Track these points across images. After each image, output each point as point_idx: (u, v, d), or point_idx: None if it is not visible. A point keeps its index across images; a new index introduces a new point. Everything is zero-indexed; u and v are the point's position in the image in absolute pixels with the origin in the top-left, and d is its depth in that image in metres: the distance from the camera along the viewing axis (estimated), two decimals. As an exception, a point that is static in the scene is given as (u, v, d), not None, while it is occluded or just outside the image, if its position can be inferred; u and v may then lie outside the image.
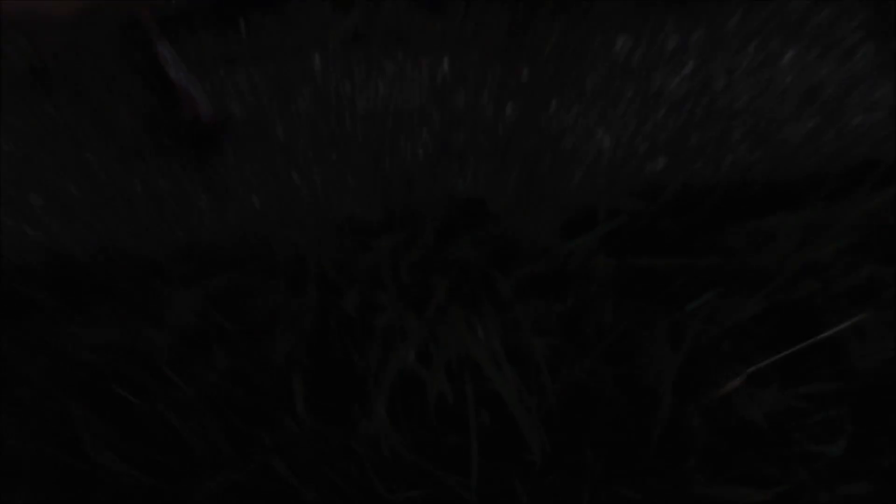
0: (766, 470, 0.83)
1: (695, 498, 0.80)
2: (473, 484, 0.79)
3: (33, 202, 1.04)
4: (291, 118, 1.05)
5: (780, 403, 0.85)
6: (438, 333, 0.88)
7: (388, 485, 0.82)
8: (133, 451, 0.85)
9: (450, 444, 0.84)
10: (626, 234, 0.98)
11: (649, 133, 1.01)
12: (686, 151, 1.00)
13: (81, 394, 0.90)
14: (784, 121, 1.00)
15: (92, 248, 1.00)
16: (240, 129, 1.05)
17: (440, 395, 0.84)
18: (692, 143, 1.00)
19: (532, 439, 0.81)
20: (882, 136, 0.99)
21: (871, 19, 1.04)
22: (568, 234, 0.98)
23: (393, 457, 0.83)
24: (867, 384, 0.87)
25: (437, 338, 0.88)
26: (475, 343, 0.86)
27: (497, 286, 0.94)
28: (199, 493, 0.84)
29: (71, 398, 0.88)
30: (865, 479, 0.83)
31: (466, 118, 1.03)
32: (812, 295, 0.91)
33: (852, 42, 1.03)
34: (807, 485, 0.81)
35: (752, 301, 0.89)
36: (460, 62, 1.07)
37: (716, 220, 1.00)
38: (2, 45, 1.00)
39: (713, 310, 0.90)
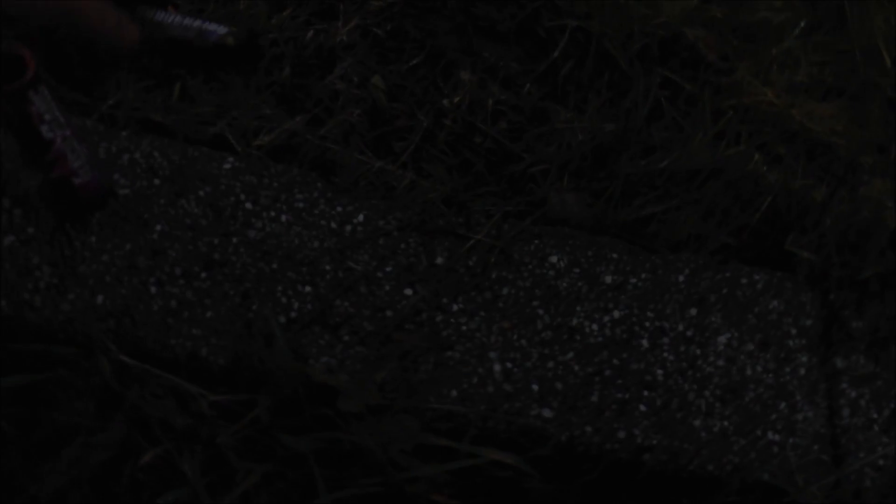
0: None
1: None
2: None
3: None
4: (176, 216, 0.92)
5: None
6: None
7: None
8: None
9: None
10: (482, 480, 0.85)
11: (549, 373, 0.88)
12: (582, 408, 0.87)
13: None
14: (697, 411, 0.89)
15: None
16: (116, 210, 0.92)
17: None
18: (591, 400, 0.88)
19: None
20: (793, 465, 0.87)
21: (816, 328, 0.93)
22: (422, 457, 0.85)
23: None
24: None
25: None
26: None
27: (317, 497, 0.81)
28: None
29: None
30: None
31: (359, 287, 0.90)
32: None
33: (792, 348, 0.92)
34: None
35: None
36: (378, 220, 0.94)
37: (588, 498, 0.87)
38: None
39: None
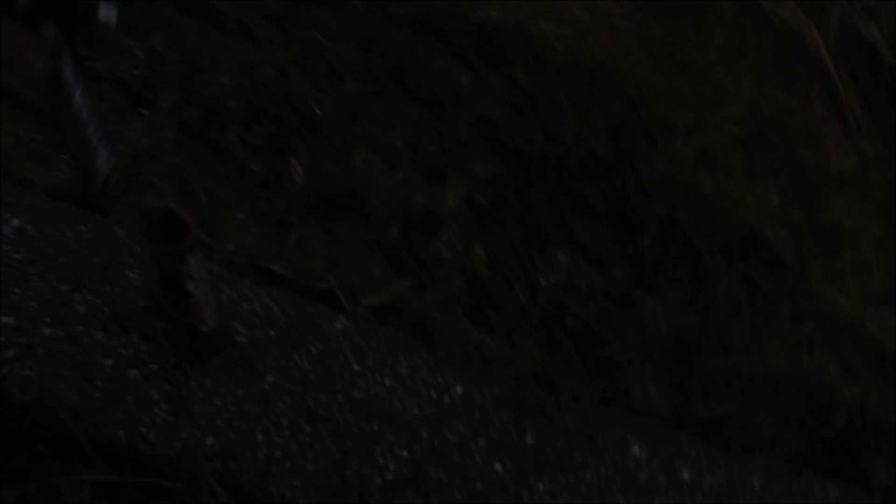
0: None
1: None
2: None
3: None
4: (287, 368, 0.99)
5: None
6: None
7: None
8: None
9: None
10: None
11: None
12: None
13: None
14: None
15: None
16: (232, 356, 0.99)
17: None
18: None
19: None
20: None
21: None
22: None
23: None
24: None
25: None
26: None
27: None
28: None
29: None
30: None
31: (452, 456, 0.95)
32: None
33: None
34: None
35: None
36: (475, 393, 1.00)
37: None
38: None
39: None
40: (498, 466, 0.97)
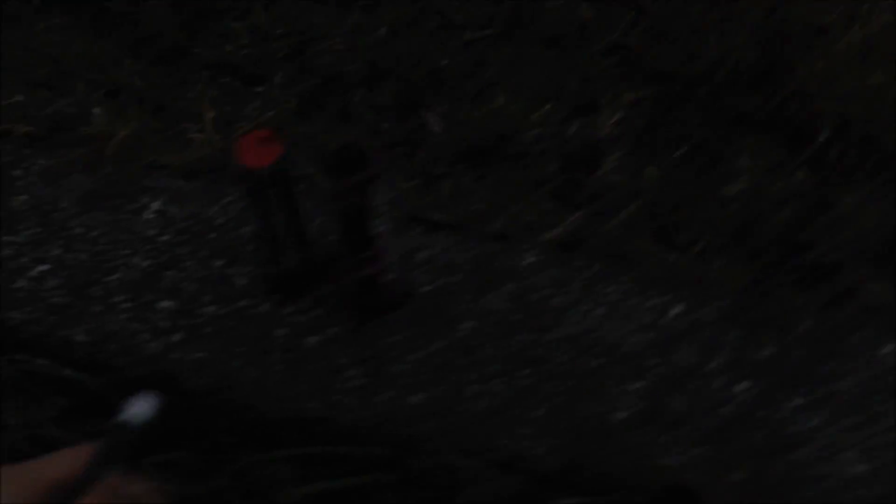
0: None
1: None
2: None
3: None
4: (483, 312, 0.88)
5: None
6: None
7: None
8: None
9: None
10: None
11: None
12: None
13: None
14: None
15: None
16: (417, 308, 0.88)
17: None
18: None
19: None
20: None
21: None
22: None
23: None
24: None
25: None
26: None
27: None
28: None
29: None
30: None
31: (688, 382, 0.83)
32: None
33: None
34: None
35: None
36: (696, 312, 0.89)
37: None
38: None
39: None
40: (741, 387, 0.85)
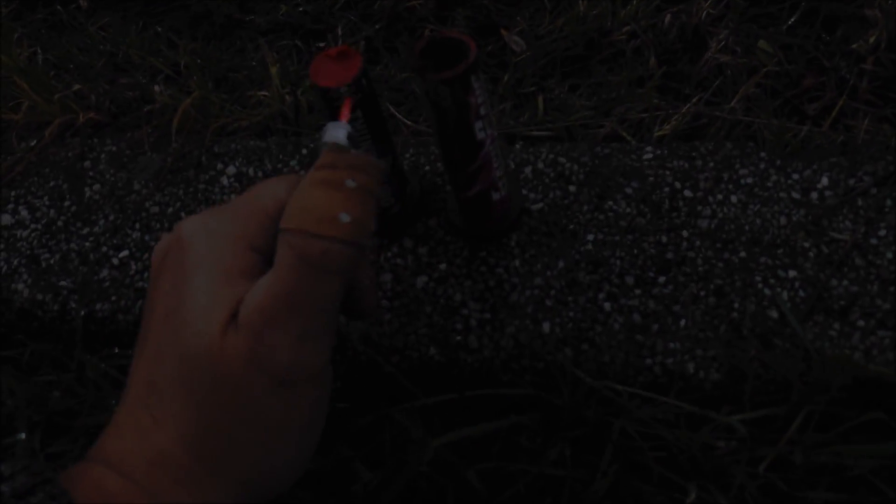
0: None
1: None
2: None
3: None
4: (607, 220, 0.78)
5: None
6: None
7: None
8: None
9: None
10: None
11: None
12: None
13: None
14: None
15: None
16: (533, 227, 0.79)
17: None
18: None
19: None
20: None
21: None
22: None
23: None
24: None
25: None
26: None
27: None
28: None
29: None
30: None
31: (853, 259, 0.72)
32: None
33: None
34: None
35: None
36: (847, 180, 0.77)
37: None
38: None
39: None
40: (915, 256, 0.72)
